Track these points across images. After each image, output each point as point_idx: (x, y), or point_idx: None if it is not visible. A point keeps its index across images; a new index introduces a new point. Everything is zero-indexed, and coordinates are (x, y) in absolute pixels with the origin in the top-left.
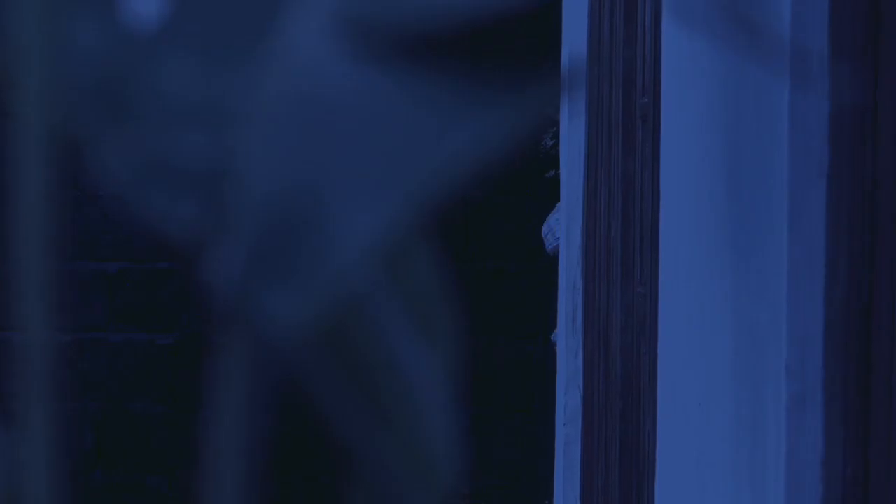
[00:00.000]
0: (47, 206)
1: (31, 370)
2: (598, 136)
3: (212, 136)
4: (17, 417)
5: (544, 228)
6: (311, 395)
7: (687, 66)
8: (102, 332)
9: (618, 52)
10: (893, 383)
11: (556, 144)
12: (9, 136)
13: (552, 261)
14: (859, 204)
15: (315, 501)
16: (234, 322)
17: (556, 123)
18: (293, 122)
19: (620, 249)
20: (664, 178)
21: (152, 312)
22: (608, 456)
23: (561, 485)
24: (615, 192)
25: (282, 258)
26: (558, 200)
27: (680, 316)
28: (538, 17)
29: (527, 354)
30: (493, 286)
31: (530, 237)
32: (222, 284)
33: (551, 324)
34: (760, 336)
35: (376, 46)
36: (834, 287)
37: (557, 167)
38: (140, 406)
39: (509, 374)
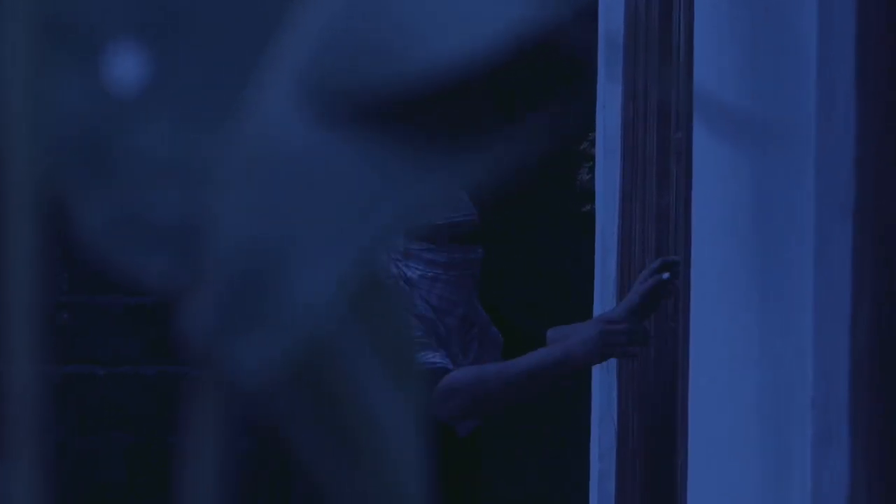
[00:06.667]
0: (34, 255)
1: (20, 404)
2: (632, 171)
3: (186, 193)
4: (9, 451)
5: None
6: (283, 435)
7: (717, 103)
8: (136, 365)
9: (652, 86)
10: None
11: (592, 179)
12: None
13: (590, 294)
14: (885, 242)
15: None
16: (207, 367)
17: (592, 158)
18: (262, 179)
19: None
20: (696, 214)
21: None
22: (642, 492)
23: None
24: (649, 228)
25: (251, 306)
26: (593, 235)
27: (709, 351)
28: (484, 91)
29: (561, 387)
30: (528, 318)
31: (568, 271)
32: (196, 332)
33: None
34: (787, 372)
35: (336, 111)
36: (859, 324)
37: (593, 202)
38: (174, 439)
39: (543, 407)
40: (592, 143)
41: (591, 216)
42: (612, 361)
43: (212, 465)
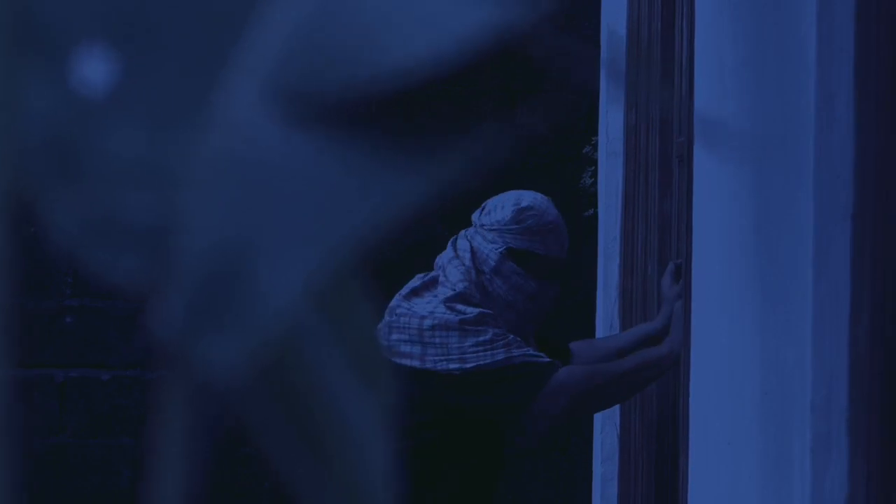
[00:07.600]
0: (3, 257)
1: None
2: (635, 175)
3: (155, 195)
4: None
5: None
6: (250, 434)
7: (718, 108)
8: (141, 369)
9: (654, 91)
10: None
11: (595, 183)
12: None
13: (592, 297)
14: (884, 245)
15: None
16: (175, 366)
17: (595, 162)
18: (230, 181)
19: (657, 289)
20: (696, 217)
21: None
22: (645, 495)
23: None
24: (652, 231)
25: (219, 306)
26: (595, 239)
27: (710, 355)
28: (446, 90)
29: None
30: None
31: (570, 274)
32: (165, 331)
33: None
34: (787, 375)
35: (304, 113)
36: (859, 327)
37: (596, 206)
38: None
39: None
40: (595, 148)
41: (593, 220)
42: None
43: (181, 466)
